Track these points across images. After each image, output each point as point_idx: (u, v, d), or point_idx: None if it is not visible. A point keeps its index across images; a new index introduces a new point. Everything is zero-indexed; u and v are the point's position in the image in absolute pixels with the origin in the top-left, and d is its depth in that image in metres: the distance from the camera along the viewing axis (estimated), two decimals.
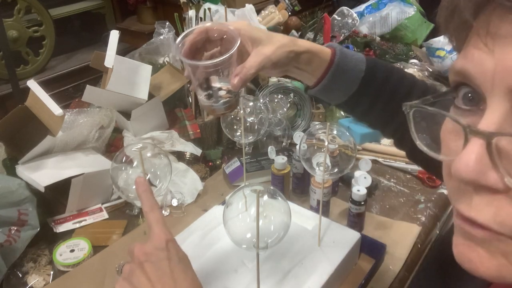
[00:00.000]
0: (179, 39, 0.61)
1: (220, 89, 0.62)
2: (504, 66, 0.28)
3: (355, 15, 1.54)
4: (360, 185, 0.93)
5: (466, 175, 0.29)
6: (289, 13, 1.65)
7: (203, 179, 1.12)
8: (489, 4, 0.29)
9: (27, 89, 1.02)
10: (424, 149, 0.35)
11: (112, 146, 1.19)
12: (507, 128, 0.29)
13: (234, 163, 1.12)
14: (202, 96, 0.63)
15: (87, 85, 1.05)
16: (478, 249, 0.31)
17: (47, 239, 0.94)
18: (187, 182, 1.07)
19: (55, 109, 0.96)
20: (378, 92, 0.68)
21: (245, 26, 0.62)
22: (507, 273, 0.31)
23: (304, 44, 0.64)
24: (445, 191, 1.08)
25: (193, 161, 1.16)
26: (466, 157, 0.29)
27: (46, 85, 1.06)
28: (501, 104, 0.29)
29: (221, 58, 0.58)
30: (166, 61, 1.34)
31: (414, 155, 0.72)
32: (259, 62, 0.61)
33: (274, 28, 1.58)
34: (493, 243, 0.31)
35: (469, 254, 0.32)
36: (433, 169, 0.68)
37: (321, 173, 0.72)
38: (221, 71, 0.61)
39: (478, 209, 0.30)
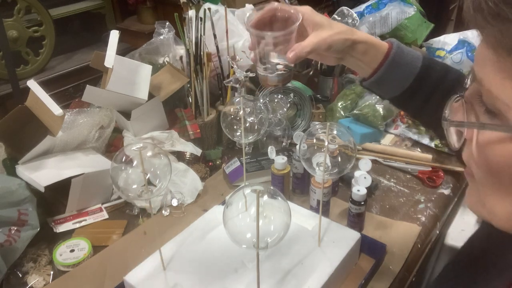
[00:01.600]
0: (249, 14, 0.69)
1: (278, 64, 0.68)
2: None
3: (355, 15, 1.54)
4: (360, 185, 0.93)
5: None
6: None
7: (203, 179, 1.12)
8: None
9: (27, 89, 1.02)
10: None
11: (112, 146, 1.19)
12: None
13: (234, 163, 1.12)
14: (260, 67, 0.70)
15: (87, 85, 1.05)
16: (469, 189, 0.43)
17: (47, 239, 0.94)
18: (187, 182, 1.07)
19: (55, 109, 0.96)
20: (432, 90, 0.69)
21: (309, 11, 0.68)
22: (477, 208, 0.42)
23: (362, 35, 0.68)
24: (445, 191, 1.08)
25: (193, 161, 1.16)
26: None
27: (46, 85, 1.06)
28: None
29: (282, 32, 0.65)
30: (166, 61, 1.33)
31: None
32: (315, 43, 0.66)
33: None
34: (472, 183, 0.42)
35: (470, 199, 0.43)
36: None
37: (321, 173, 0.72)
38: (281, 45, 0.67)
39: (463, 153, 0.41)
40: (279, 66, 0.68)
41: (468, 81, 0.41)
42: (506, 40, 0.33)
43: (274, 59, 0.69)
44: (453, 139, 0.42)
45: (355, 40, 0.67)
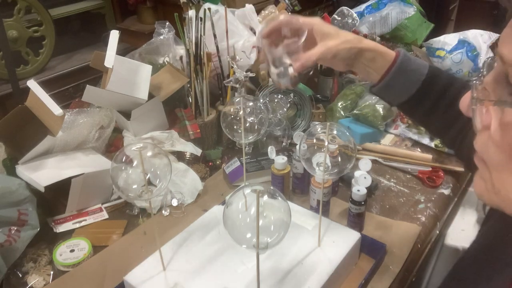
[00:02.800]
0: (262, 26, 0.76)
1: (290, 65, 0.73)
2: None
3: (355, 15, 1.54)
4: (360, 185, 0.93)
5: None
6: (289, 13, 1.65)
7: (203, 179, 1.12)
8: None
9: (27, 89, 1.02)
10: None
11: (112, 146, 1.19)
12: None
13: (234, 163, 1.12)
14: (274, 72, 0.76)
15: (87, 85, 1.05)
16: (479, 177, 0.42)
17: (47, 239, 0.94)
18: (187, 182, 1.07)
19: (55, 109, 0.96)
20: (439, 96, 0.72)
21: (318, 22, 0.73)
22: (488, 196, 0.41)
23: (370, 43, 0.73)
24: (445, 191, 1.08)
25: (193, 161, 1.16)
26: None
27: (46, 85, 1.06)
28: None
29: (286, 49, 0.73)
30: (166, 61, 1.34)
31: (472, 165, 0.74)
32: (320, 52, 0.70)
33: None
34: (483, 170, 0.41)
35: (475, 180, 0.43)
36: None
37: (321, 173, 0.72)
38: (290, 55, 0.74)
39: (476, 142, 0.41)
40: (291, 70, 0.73)
41: (485, 70, 0.41)
42: None
43: (286, 59, 0.74)
44: (478, 121, 0.41)
45: (362, 48, 0.71)
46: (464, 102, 0.42)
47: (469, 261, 0.56)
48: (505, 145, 0.38)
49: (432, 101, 0.73)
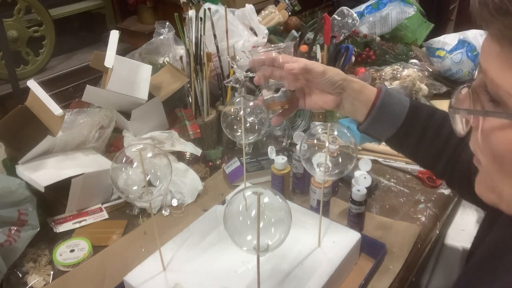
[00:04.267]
0: (254, 51, 0.78)
1: (277, 90, 0.77)
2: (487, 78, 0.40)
3: (355, 15, 1.54)
4: (360, 185, 0.93)
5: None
6: (289, 13, 1.65)
7: (203, 179, 1.12)
8: None
9: (27, 89, 1.02)
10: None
11: (112, 146, 1.19)
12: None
13: (234, 163, 1.12)
14: (265, 90, 0.80)
15: (87, 85, 1.05)
16: (478, 176, 0.46)
17: (47, 239, 0.94)
18: (187, 182, 1.07)
19: (55, 109, 0.96)
20: (424, 127, 0.74)
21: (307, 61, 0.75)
22: (486, 194, 0.45)
23: (354, 78, 0.75)
24: (445, 191, 1.08)
25: (193, 161, 1.16)
26: None
27: (46, 85, 1.06)
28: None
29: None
30: (166, 61, 1.33)
31: (465, 193, 0.78)
32: (310, 62, 0.71)
33: (274, 28, 1.58)
34: (480, 170, 0.45)
35: (479, 186, 0.46)
36: (485, 205, 0.72)
37: (321, 173, 0.72)
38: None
39: (470, 142, 0.45)
40: (278, 95, 0.77)
41: (476, 73, 0.43)
42: (508, 32, 0.36)
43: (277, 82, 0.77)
44: (459, 127, 0.44)
45: (347, 78, 0.73)
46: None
47: (473, 269, 0.57)
48: (486, 150, 0.41)
49: (418, 133, 0.74)
